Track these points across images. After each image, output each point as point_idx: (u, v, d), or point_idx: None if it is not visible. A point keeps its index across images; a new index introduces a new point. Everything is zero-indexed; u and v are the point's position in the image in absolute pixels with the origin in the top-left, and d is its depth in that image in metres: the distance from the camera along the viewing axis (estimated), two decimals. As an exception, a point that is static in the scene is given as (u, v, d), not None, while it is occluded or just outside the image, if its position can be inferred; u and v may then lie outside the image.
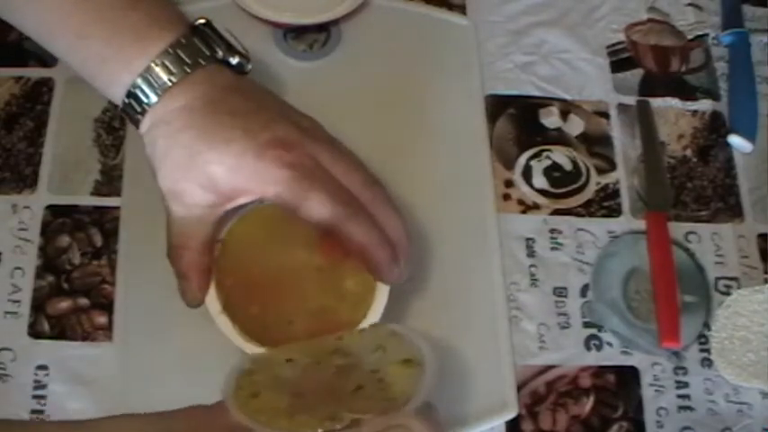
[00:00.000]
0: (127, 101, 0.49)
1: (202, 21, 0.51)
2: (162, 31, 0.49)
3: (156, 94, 0.48)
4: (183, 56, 0.49)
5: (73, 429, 0.46)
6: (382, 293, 0.51)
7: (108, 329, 0.55)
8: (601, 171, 0.64)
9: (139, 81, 0.48)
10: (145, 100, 0.49)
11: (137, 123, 0.50)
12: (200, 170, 0.48)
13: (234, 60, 0.52)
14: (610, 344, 0.58)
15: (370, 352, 0.47)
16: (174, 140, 0.48)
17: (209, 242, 0.50)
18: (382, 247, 0.50)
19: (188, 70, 0.49)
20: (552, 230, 0.61)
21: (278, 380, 0.46)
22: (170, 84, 0.48)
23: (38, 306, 0.56)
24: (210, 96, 0.49)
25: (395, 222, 0.51)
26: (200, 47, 0.50)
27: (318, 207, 0.48)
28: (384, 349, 0.47)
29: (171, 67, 0.48)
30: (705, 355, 0.58)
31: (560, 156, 0.64)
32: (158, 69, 0.48)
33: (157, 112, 0.49)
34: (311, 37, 0.66)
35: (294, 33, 0.66)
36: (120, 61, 0.49)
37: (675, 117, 0.66)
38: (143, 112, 0.49)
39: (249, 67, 0.52)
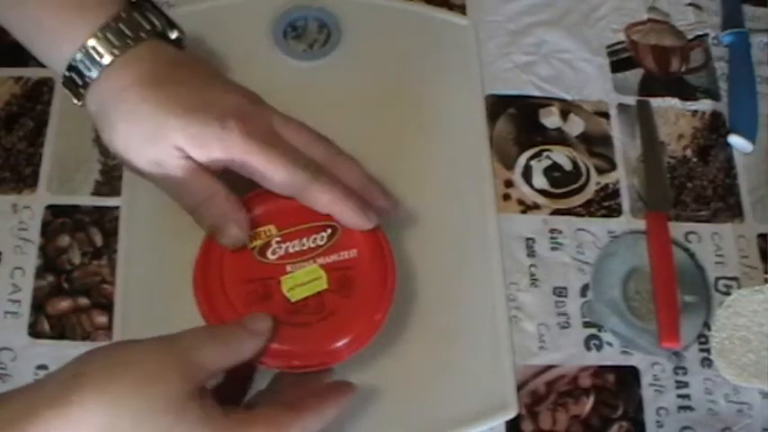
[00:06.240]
0: (68, 74, 0.49)
1: None
2: (101, 2, 0.48)
3: (99, 68, 0.48)
4: (126, 30, 0.48)
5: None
6: None
7: (108, 329, 0.55)
8: (601, 171, 0.64)
9: (80, 56, 0.48)
10: (87, 73, 0.48)
11: (78, 96, 0.50)
12: (168, 140, 0.48)
13: (173, 35, 0.51)
14: (610, 344, 0.58)
15: None
16: (133, 115, 0.48)
17: (221, 181, 0.50)
18: (347, 198, 0.50)
19: (131, 44, 0.48)
20: (552, 230, 0.61)
21: None
22: (113, 58, 0.48)
23: (38, 306, 0.56)
24: (158, 71, 0.49)
25: (352, 170, 0.52)
26: (140, 21, 0.49)
27: (282, 174, 0.48)
28: None
29: (114, 41, 0.48)
30: (705, 355, 0.58)
31: (560, 156, 0.64)
32: (101, 43, 0.48)
33: (102, 86, 0.48)
34: (311, 37, 0.66)
35: (294, 33, 0.66)
36: (59, 31, 0.48)
37: (675, 117, 0.66)
38: (85, 86, 0.49)
39: (185, 40, 0.52)
